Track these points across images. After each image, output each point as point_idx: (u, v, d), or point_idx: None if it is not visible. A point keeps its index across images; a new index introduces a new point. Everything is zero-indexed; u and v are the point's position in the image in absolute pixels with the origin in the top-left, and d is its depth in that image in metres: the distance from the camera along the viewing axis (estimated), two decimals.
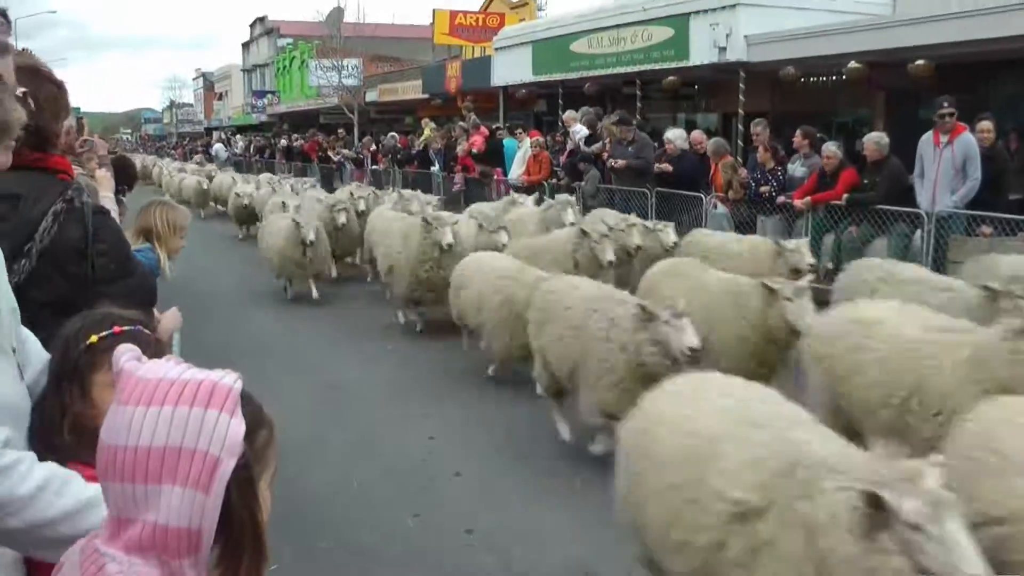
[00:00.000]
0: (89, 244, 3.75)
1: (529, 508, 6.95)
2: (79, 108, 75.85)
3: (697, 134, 17.52)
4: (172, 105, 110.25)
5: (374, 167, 30.46)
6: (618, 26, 22.96)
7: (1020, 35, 14.44)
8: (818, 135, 15.06)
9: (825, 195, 13.53)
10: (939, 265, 11.93)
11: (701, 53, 20.26)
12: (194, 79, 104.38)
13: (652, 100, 25.40)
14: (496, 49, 29.75)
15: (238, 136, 52.45)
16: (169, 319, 5.00)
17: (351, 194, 19.46)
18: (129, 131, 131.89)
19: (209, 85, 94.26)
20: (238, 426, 1.79)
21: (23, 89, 2.85)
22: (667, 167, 16.49)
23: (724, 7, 19.65)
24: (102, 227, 3.87)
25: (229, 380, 1.84)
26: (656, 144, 17.92)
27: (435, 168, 25.36)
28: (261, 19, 77.86)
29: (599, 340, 7.36)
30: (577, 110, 20.16)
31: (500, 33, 30.96)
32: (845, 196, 13.26)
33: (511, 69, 28.44)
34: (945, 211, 12.17)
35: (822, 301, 8.41)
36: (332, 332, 13.34)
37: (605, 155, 17.60)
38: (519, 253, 11.52)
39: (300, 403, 9.57)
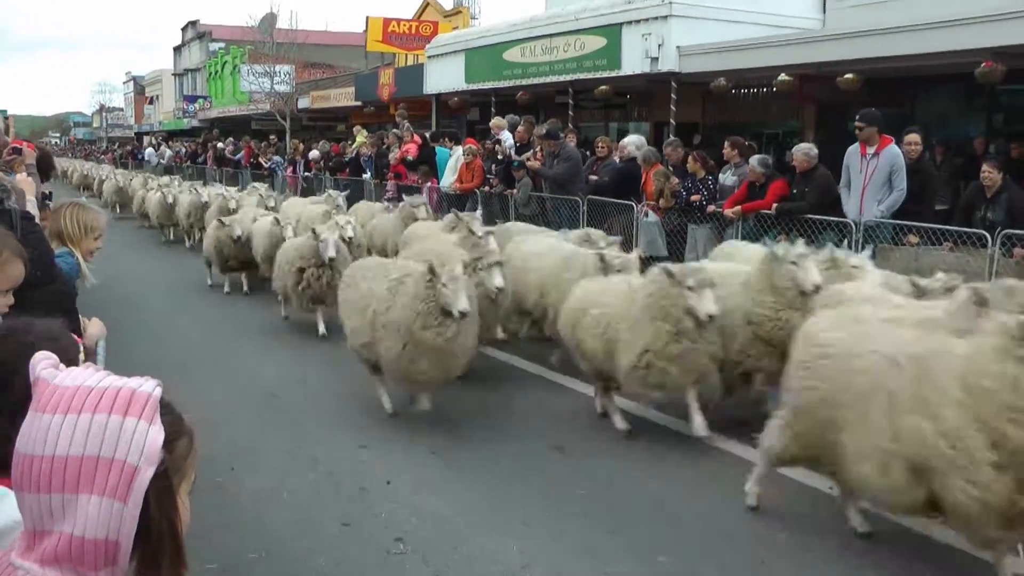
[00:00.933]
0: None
1: (460, 516, 6.88)
2: (5, 111, 74.59)
3: (624, 142, 17.55)
4: (102, 109, 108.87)
5: (306, 174, 30.29)
6: (551, 35, 22.99)
7: (946, 51, 14.67)
8: (747, 144, 15.15)
9: (755, 204, 13.61)
10: None
11: (633, 63, 20.35)
12: (124, 83, 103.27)
13: (584, 109, 25.47)
14: (429, 57, 29.68)
15: (164, 147, 51.64)
16: (94, 327, 4.91)
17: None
18: (58, 135, 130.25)
19: (140, 89, 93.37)
20: (157, 434, 1.74)
21: None
22: (594, 177, 16.61)
23: (656, 18, 19.73)
24: (29, 232, 3.77)
25: (148, 387, 1.79)
26: (588, 153, 18.03)
27: (367, 175, 25.25)
28: (193, 23, 77.29)
29: None
30: (505, 118, 20.19)
31: (433, 41, 30.90)
32: (775, 205, 13.35)
33: (444, 77, 28.38)
34: (872, 220, 12.31)
35: None
36: (265, 338, 13.20)
37: (534, 163, 17.64)
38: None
39: (232, 410, 9.53)
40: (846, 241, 12.57)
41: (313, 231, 12.71)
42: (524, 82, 24.21)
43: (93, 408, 1.72)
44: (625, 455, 8.16)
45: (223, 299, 16.39)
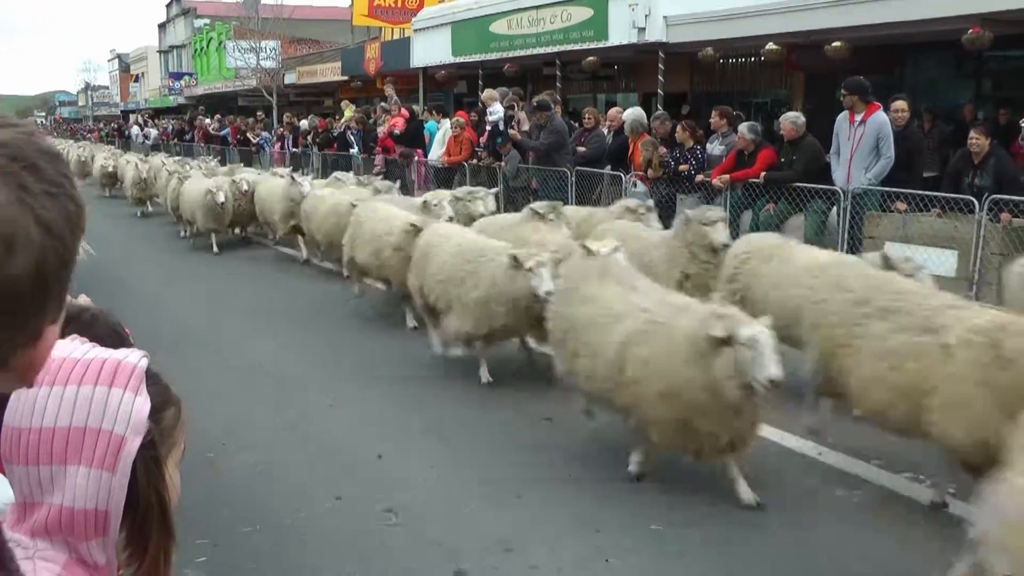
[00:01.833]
0: None
1: (450, 488, 6.89)
2: None
3: (614, 112, 17.54)
4: (87, 87, 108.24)
5: (294, 149, 30.24)
6: (537, 7, 22.81)
7: (934, 18, 14.61)
8: (735, 114, 15.13)
9: (743, 173, 13.61)
10: (855, 240, 12.12)
11: (620, 34, 20.23)
12: (109, 60, 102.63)
13: (572, 81, 25.41)
14: (415, 30, 29.50)
15: (150, 128, 51.28)
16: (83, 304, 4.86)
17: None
18: (43, 114, 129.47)
19: (125, 67, 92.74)
20: (143, 404, 1.73)
21: None
22: (582, 149, 16.61)
23: None
24: None
25: (134, 358, 1.78)
26: (576, 124, 18.00)
27: (354, 150, 25.21)
28: None
29: None
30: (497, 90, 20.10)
31: (419, 14, 30.72)
32: (763, 174, 13.34)
33: (431, 50, 28.23)
34: (860, 188, 12.32)
35: None
36: (255, 313, 13.18)
37: (515, 134, 17.63)
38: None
39: (223, 386, 9.55)
40: (835, 209, 12.62)
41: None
42: (511, 54, 24.08)
43: (79, 380, 1.71)
44: (614, 425, 8.16)
45: (212, 274, 16.35)
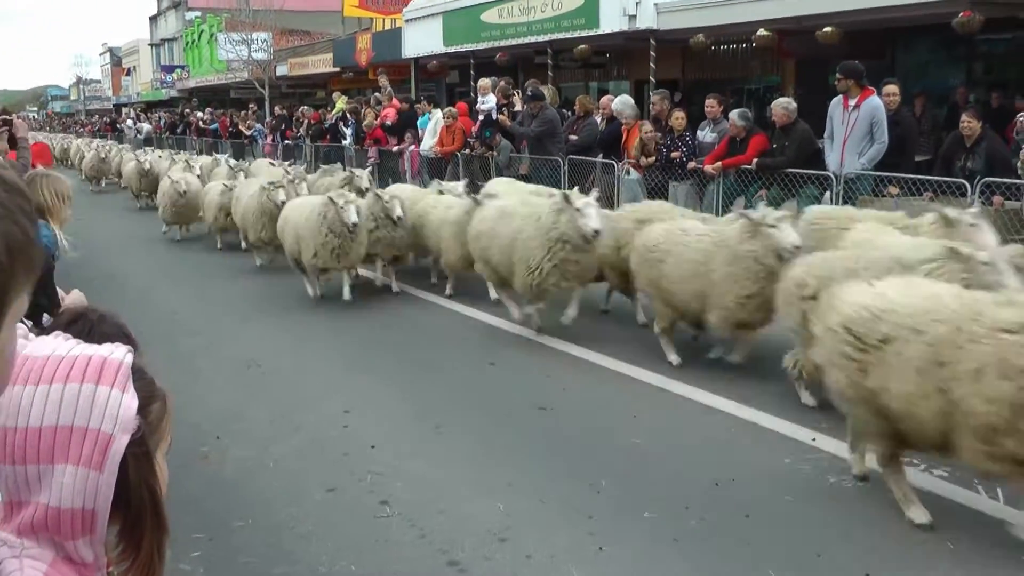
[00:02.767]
0: None
1: (444, 478, 6.87)
2: None
3: (606, 99, 17.53)
4: (79, 81, 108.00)
5: (286, 142, 30.21)
6: None
7: (925, 2, 14.63)
8: (729, 101, 15.14)
9: (735, 160, 13.62)
10: None
11: (611, 21, 20.23)
12: (101, 54, 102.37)
13: (564, 69, 25.39)
14: (406, 21, 29.50)
15: (143, 123, 51.10)
16: (74, 299, 4.86)
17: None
18: (35, 109, 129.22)
19: (117, 60, 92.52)
20: (130, 401, 1.72)
21: None
22: (574, 137, 16.63)
23: None
24: None
25: (119, 354, 1.77)
26: (569, 112, 18.01)
27: (346, 141, 25.20)
28: None
29: None
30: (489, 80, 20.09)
31: (410, 4, 30.59)
32: (755, 160, 13.35)
33: (422, 40, 28.20)
34: (853, 172, 12.33)
35: None
36: (247, 307, 13.14)
37: (505, 119, 17.65)
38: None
39: (216, 380, 9.54)
40: (828, 194, 12.63)
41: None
42: (503, 43, 24.07)
43: (65, 378, 1.70)
44: (608, 413, 8.17)
45: (203, 268, 16.32)
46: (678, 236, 9.05)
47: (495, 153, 17.79)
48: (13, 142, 8.68)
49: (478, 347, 10.38)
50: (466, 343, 10.41)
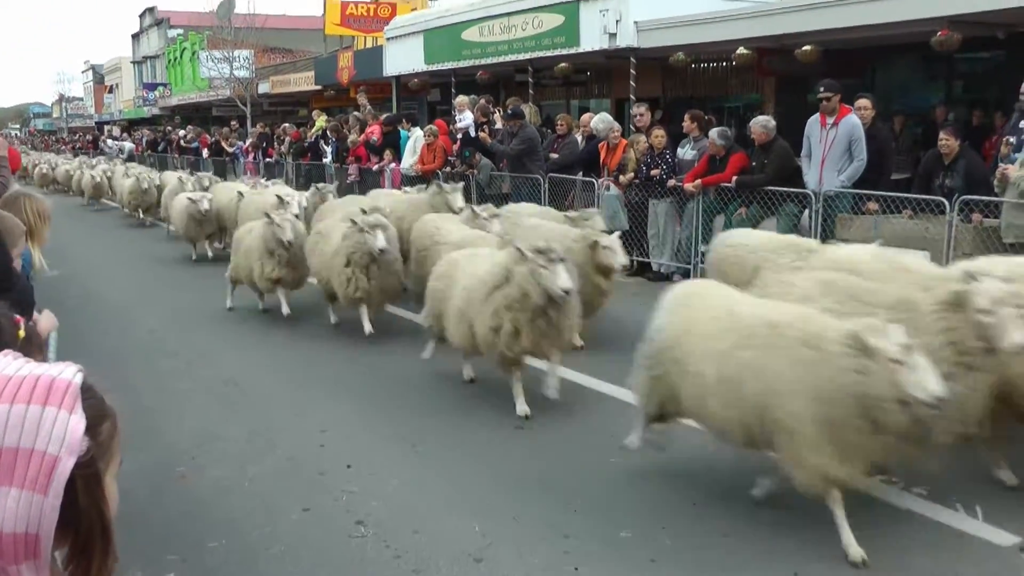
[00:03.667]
0: None
1: (420, 497, 6.83)
2: None
3: (586, 117, 17.60)
4: (61, 99, 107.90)
5: (267, 160, 30.17)
6: (508, 14, 22.90)
7: (903, 21, 14.70)
8: (707, 118, 15.18)
9: (715, 178, 13.66)
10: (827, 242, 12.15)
11: (592, 39, 20.30)
12: (83, 72, 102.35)
13: (545, 87, 25.48)
14: (388, 39, 29.53)
15: (125, 141, 50.83)
16: (45, 320, 4.82)
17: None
18: (17, 126, 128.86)
19: (99, 78, 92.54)
20: (78, 423, 1.69)
21: None
22: (555, 156, 16.67)
23: None
24: None
25: (68, 374, 1.74)
26: (549, 131, 18.06)
27: (327, 160, 25.20)
28: (151, 9, 76.51)
29: None
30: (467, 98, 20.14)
31: (392, 23, 30.73)
32: (735, 178, 13.38)
33: (403, 59, 28.25)
34: (832, 190, 12.36)
35: None
36: (224, 326, 13.06)
37: (485, 136, 17.70)
38: None
39: (193, 399, 9.46)
40: (807, 212, 12.66)
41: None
42: (483, 62, 24.14)
43: (11, 399, 1.67)
44: (585, 432, 8.14)
45: (181, 286, 16.23)
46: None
47: (475, 172, 17.79)
48: None
49: (455, 367, 10.34)
50: (443, 363, 10.36)
